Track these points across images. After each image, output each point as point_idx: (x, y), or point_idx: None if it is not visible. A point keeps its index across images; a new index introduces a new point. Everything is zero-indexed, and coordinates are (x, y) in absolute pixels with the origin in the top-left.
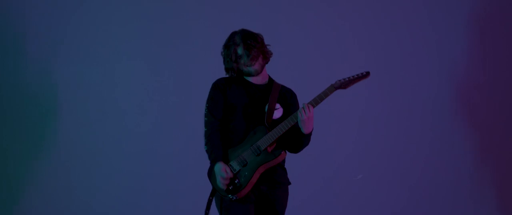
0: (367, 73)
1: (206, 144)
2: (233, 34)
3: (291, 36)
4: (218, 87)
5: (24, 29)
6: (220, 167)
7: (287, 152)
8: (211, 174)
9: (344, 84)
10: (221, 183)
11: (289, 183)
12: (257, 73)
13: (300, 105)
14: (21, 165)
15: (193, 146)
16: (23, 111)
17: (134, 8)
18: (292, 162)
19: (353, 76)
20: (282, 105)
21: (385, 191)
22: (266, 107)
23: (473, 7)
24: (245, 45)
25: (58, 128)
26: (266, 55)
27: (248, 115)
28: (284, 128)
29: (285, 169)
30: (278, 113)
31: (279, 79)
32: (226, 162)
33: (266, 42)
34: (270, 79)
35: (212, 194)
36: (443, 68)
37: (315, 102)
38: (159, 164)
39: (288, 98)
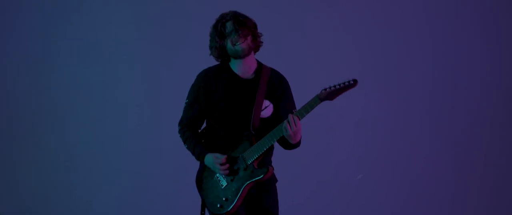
0: (355, 82)
1: (185, 142)
2: (222, 14)
3: (291, 36)
4: (202, 88)
5: (24, 29)
6: (210, 158)
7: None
8: (198, 182)
9: (330, 94)
10: (221, 169)
11: (276, 180)
12: (244, 54)
13: (294, 104)
14: (21, 165)
15: None
16: (23, 110)
17: (134, 8)
18: (292, 161)
19: (339, 85)
20: (271, 100)
21: (385, 191)
22: (253, 107)
23: (473, 7)
24: (236, 21)
25: (59, 128)
26: (256, 39)
27: (235, 119)
28: (269, 142)
29: (275, 178)
30: (267, 111)
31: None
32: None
33: (266, 45)
34: (258, 67)
35: (203, 208)
36: (443, 68)
37: (300, 114)
38: (159, 164)
39: (277, 89)
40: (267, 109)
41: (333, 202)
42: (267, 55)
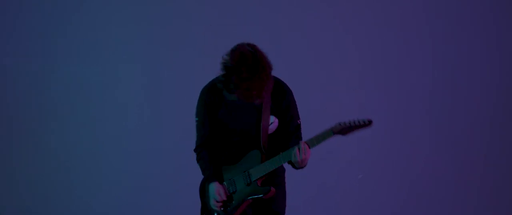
0: (370, 122)
1: (198, 161)
2: (251, 57)
3: (291, 36)
4: (207, 104)
5: (24, 29)
6: (214, 188)
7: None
8: (203, 191)
9: (344, 130)
10: (215, 205)
11: (285, 183)
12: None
13: (298, 113)
14: (21, 165)
15: (193, 146)
16: (23, 110)
17: (134, 8)
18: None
19: (354, 123)
20: (276, 114)
21: (385, 191)
22: (261, 125)
23: (473, 7)
24: (256, 85)
25: (59, 128)
26: (267, 88)
27: (241, 135)
28: (277, 163)
29: (283, 168)
30: (273, 126)
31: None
32: (220, 179)
33: (266, 45)
34: None
35: (203, 212)
36: (443, 68)
37: (311, 143)
38: (159, 164)
39: (282, 101)
40: (273, 124)
41: (333, 202)
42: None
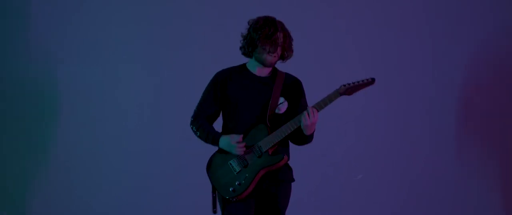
0: (373, 80)
1: (197, 130)
2: (276, 20)
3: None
4: (219, 82)
5: (24, 29)
6: (226, 139)
7: (288, 155)
8: (210, 169)
9: (349, 89)
10: (239, 150)
11: (293, 180)
12: (269, 66)
13: (307, 102)
14: (21, 165)
15: (193, 146)
16: (23, 110)
17: (134, 8)
18: (292, 161)
19: (358, 82)
20: (286, 98)
21: (385, 191)
22: (269, 102)
23: (473, 7)
24: (286, 40)
25: (59, 128)
26: (288, 57)
27: (250, 112)
28: (287, 131)
29: (290, 167)
30: (282, 107)
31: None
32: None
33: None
34: (274, 69)
35: (214, 191)
36: (443, 68)
37: (319, 106)
38: (159, 164)
39: (293, 88)
40: (282, 105)
41: (333, 202)
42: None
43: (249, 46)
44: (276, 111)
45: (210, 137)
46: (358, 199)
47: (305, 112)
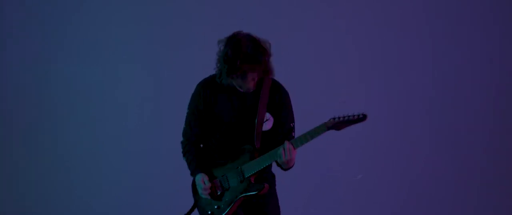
0: (364, 117)
1: (184, 155)
2: (240, 41)
3: (291, 36)
4: (202, 98)
5: (24, 29)
6: (198, 178)
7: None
8: (193, 187)
9: (338, 124)
10: (203, 193)
11: (275, 188)
12: (248, 91)
13: (292, 117)
14: (21, 165)
15: None
16: (23, 111)
17: (134, 8)
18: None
19: (348, 117)
20: (271, 112)
21: (385, 191)
22: (256, 120)
23: (473, 7)
24: (249, 66)
25: (59, 128)
26: (266, 74)
27: (235, 130)
28: (267, 161)
29: (273, 174)
30: (268, 124)
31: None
32: (206, 171)
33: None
34: (259, 79)
35: (193, 209)
36: (443, 68)
37: (300, 142)
38: (159, 164)
39: (278, 100)
40: (268, 122)
41: (333, 202)
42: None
43: (222, 75)
44: (263, 129)
45: (191, 168)
46: (358, 199)
47: (281, 148)
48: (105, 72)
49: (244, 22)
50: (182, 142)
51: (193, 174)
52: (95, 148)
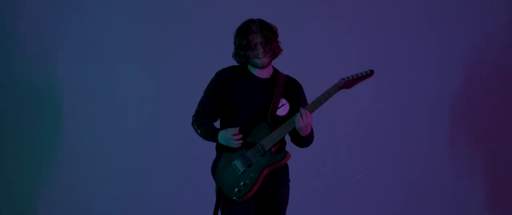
0: (371, 72)
1: (198, 128)
2: (250, 21)
3: (291, 36)
4: (220, 83)
5: (24, 29)
6: (223, 133)
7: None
8: (214, 171)
9: (349, 83)
10: (236, 143)
11: (289, 180)
12: (264, 67)
13: (306, 100)
14: (21, 165)
15: (194, 146)
16: (23, 111)
17: (134, 8)
18: (291, 161)
19: (357, 75)
20: (288, 100)
21: (385, 191)
22: (271, 104)
23: (473, 7)
24: (263, 36)
25: (59, 128)
26: (277, 51)
27: (251, 114)
28: (285, 130)
29: (287, 166)
30: (284, 110)
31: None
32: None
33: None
34: (275, 70)
35: (219, 193)
36: (444, 68)
37: (315, 106)
38: (159, 164)
39: (294, 91)
40: (283, 107)
41: (332, 202)
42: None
43: (237, 55)
44: (277, 113)
45: (210, 132)
46: (358, 199)
47: (298, 114)
48: (105, 72)
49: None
50: (193, 121)
51: (214, 136)
52: (95, 148)
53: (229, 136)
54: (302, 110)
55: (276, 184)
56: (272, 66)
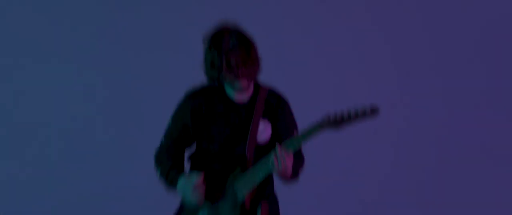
0: (375, 110)
1: (158, 168)
2: (224, 32)
3: (290, 36)
4: (188, 111)
5: (24, 29)
6: (184, 180)
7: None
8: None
9: (337, 122)
10: (195, 193)
11: (275, 195)
12: (243, 90)
13: (296, 126)
14: (20, 165)
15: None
16: (23, 110)
17: (128, 8)
18: None
19: (351, 114)
20: (270, 120)
21: (385, 191)
22: (249, 132)
23: (473, 7)
24: (242, 53)
25: (59, 128)
26: (258, 69)
27: (225, 147)
28: (259, 175)
29: (276, 198)
30: (265, 134)
31: (276, 83)
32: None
33: (266, 45)
34: (256, 88)
35: None
36: (444, 68)
37: (297, 143)
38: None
39: (276, 110)
40: (265, 131)
41: (332, 203)
42: (266, 57)
43: (209, 77)
44: (258, 141)
45: (171, 175)
46: (357, 199)
47: (272, 154)
48: (104, 72)
49: (245, 22)
50: (155, 154)
51: (174, 179)
52: (95, 148)
53: (194, 191)
54: (277, 149)
55: (260, 202)
56: (253, 81)
